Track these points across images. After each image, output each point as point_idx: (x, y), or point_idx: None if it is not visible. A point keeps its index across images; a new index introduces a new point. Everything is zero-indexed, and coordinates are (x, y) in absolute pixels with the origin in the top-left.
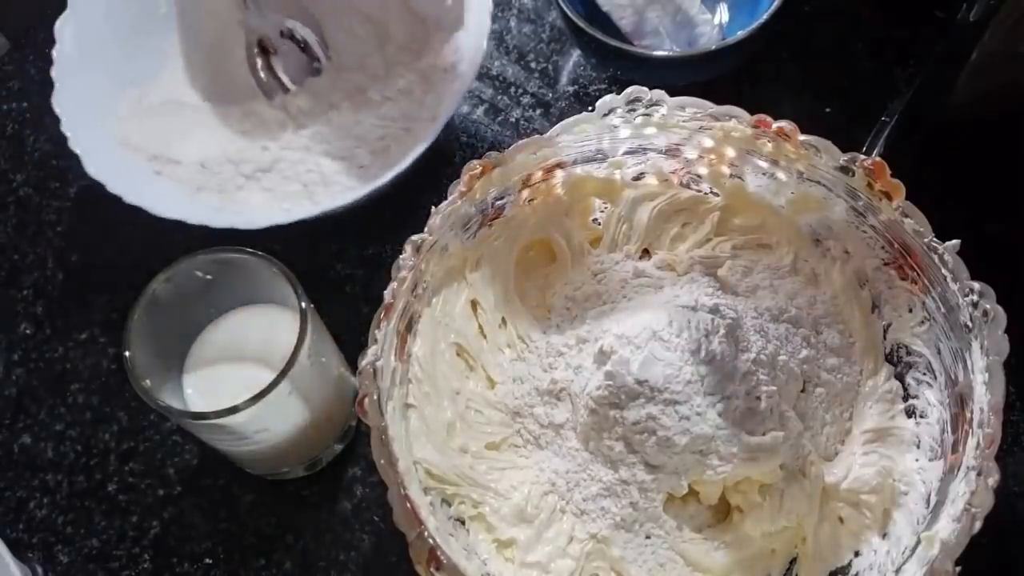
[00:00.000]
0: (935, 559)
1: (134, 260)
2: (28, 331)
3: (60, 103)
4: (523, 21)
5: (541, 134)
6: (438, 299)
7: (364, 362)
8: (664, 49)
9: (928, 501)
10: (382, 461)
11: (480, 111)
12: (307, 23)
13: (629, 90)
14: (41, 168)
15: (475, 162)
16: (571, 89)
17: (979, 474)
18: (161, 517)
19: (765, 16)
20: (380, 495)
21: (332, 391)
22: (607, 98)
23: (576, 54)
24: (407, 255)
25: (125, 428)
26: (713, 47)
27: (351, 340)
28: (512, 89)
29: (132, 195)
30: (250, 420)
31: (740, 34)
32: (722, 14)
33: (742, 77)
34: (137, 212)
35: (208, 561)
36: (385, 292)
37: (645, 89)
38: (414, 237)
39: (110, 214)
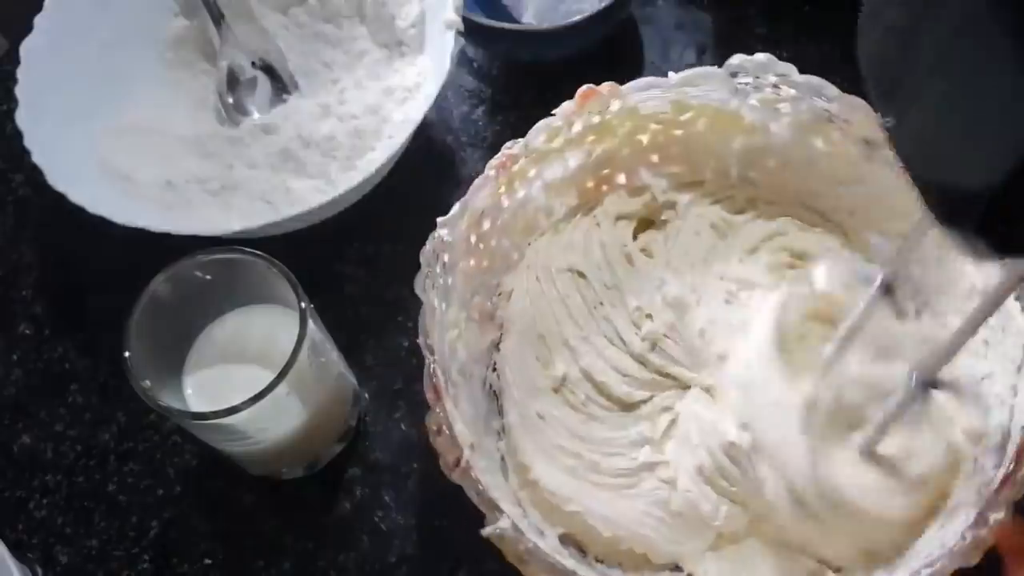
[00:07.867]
0: None
1: (134, 260)
2: (28, 331)
3: (23, 120)
4: None
5: None
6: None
7: (493, 530)
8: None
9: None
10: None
11: (480, 111)
12: (275, 53)
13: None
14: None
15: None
16: None
17: None
18: (161, 517)
19: None
20: (380, 495)
21: (332, 391)
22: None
23: None
24: None
25: (125, 428)
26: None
27: (351, 340)
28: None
29: (99, 207)
30: (250, 420)
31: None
32: None
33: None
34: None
35: (208, 561)
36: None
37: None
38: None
39: None
